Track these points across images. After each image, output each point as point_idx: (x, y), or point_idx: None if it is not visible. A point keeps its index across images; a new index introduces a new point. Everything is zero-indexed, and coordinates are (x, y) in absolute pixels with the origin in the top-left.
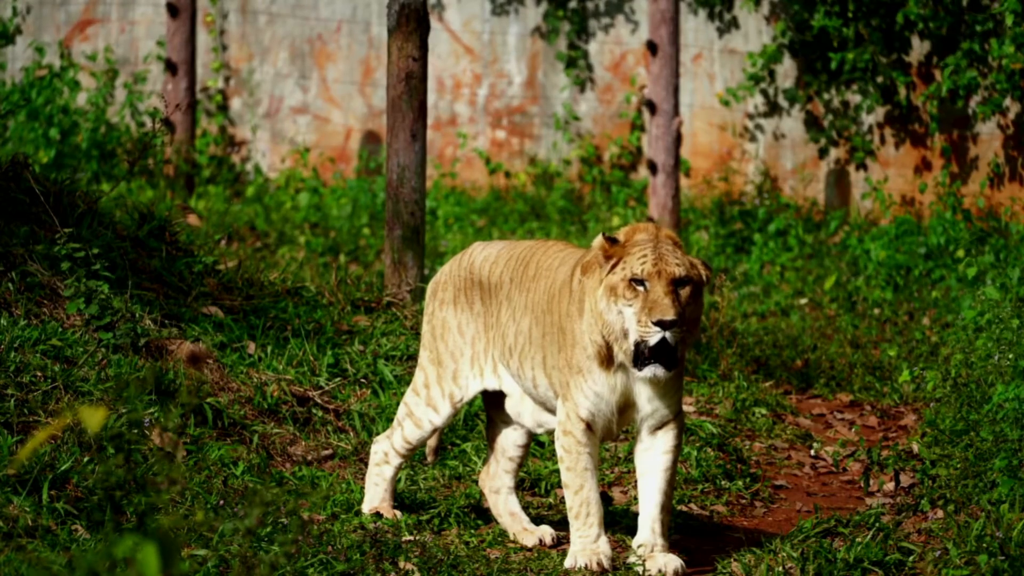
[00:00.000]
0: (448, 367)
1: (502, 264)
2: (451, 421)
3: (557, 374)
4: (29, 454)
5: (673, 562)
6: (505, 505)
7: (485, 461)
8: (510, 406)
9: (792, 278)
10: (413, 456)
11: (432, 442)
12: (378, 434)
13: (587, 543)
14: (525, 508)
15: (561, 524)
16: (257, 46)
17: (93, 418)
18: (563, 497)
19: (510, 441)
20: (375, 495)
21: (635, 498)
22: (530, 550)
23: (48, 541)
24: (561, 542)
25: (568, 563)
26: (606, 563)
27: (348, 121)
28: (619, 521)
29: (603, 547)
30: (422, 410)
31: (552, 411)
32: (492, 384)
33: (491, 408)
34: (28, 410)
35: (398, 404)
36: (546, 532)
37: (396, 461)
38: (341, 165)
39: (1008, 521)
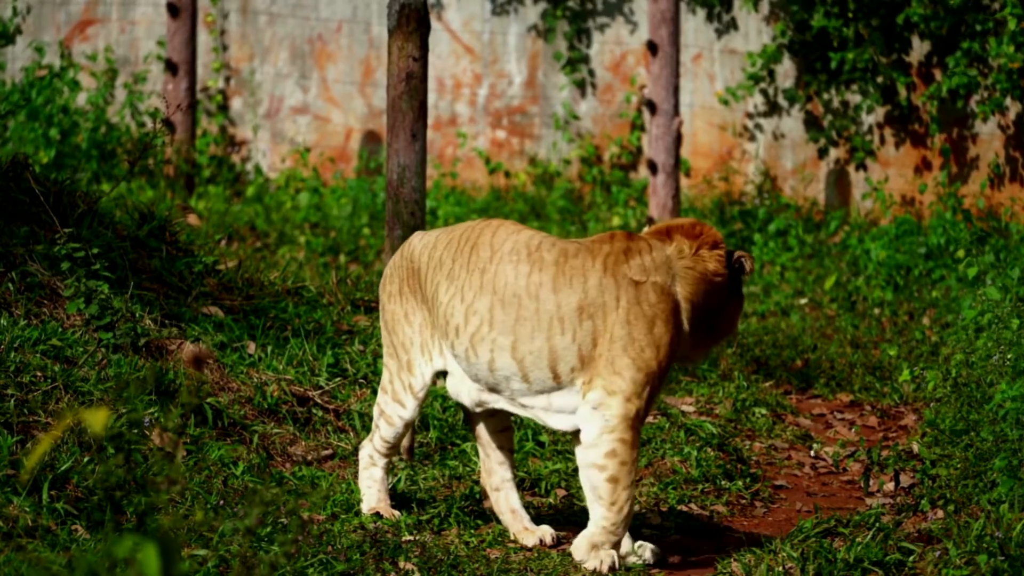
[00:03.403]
0: (403, 359)
1: (441, 247)
2: (419, 413)
3: (565, 365)
4: (36, 463)
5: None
6: (507, 502)
7: (480, 460)
8: (450, 384)
9: (792, 278)
10: (398, 452)
11: (404, 441)
12: None
13: (614, 540)
14: (525, 509)
15: (560, 524)
16: (257, 46)
17: (96, 420)
18: (563, 496)
19: (490, 428)
20: (371, 497)
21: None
22: (530, 550)
23: (48, 541)
24: (560, 542)
25: (590, 564)
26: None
27: (348, 121)
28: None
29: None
30: (391, 407)
31: (496, 392)
32: (439, 365)
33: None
34: (28, 410)
35: None
36: (546, 532)
37: (382, 462)
38: (341, 165)
39: (1008, 521)
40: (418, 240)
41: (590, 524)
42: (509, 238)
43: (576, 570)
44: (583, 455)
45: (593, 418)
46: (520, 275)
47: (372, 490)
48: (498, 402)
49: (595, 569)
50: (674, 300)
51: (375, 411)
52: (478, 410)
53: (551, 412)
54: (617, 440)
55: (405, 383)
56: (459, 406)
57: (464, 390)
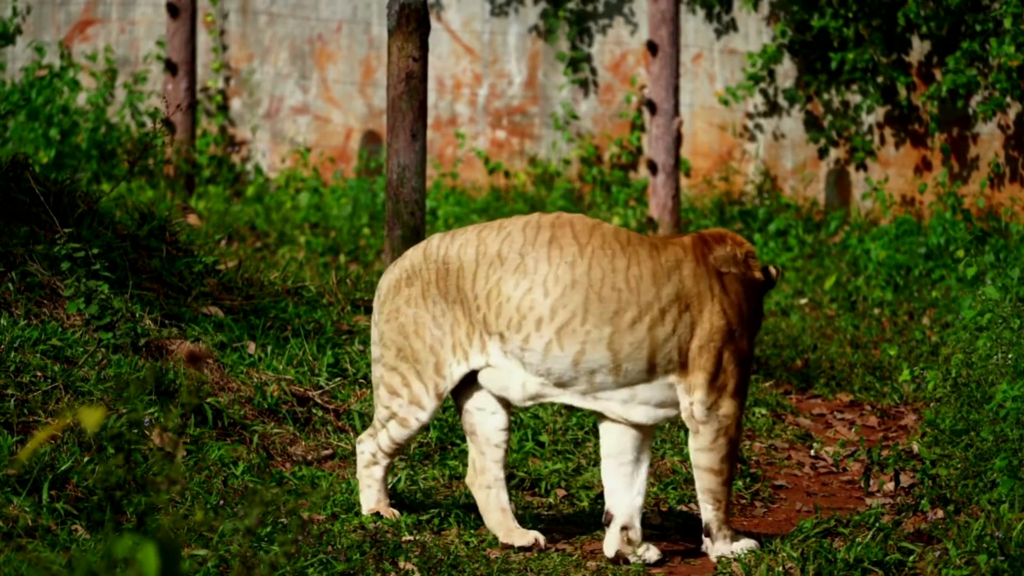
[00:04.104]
0: (428, 361)
1: (497, 244)
2: (436, 414)
3: (663, 356)
4: (29, 455)
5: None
6: (497, 500)
7: (470, 459)
8: (493, 379)
9: (792, 278)
10: (403, 453)
11: None
12: None
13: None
14: (525, 508)
15: (560, 524)
16: (257, 46)
17: (91, 418)
18: (563, 496)
19: (491, 427)
20: (370, 497)
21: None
22: (529, 550)
23: (48, 541)
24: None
25: (726, 551)
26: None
27: (348, 121)
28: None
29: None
30: (407, 410)
31: (563, 386)
32: (478, 363)
33: (464, 399)
34: (28, 410)
35: None
36: (539, 536)
37: (385, 461)
38: (341, 165)
39: (1008, 521)
40: (449, 241)
41: (711, 525)
42: (594, 233)
43: (576, 570)
44: (698, 458)
45: (709, 419)
46: (618, 269)
47: (371, 490)
48: (561, 396)
49: (731, 553)
50: (751, 291)
51: (381, 414)
52: (528, 404)
53: (633, 404)
54: (729, 442)
55: (430, 386)
56: (465, 414)
57: (515, 384)
